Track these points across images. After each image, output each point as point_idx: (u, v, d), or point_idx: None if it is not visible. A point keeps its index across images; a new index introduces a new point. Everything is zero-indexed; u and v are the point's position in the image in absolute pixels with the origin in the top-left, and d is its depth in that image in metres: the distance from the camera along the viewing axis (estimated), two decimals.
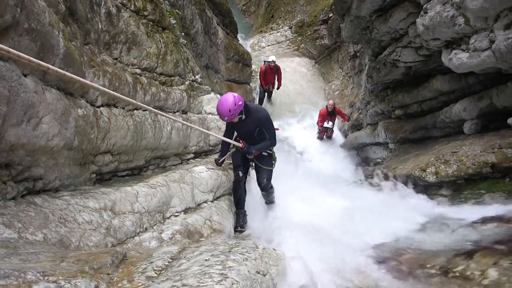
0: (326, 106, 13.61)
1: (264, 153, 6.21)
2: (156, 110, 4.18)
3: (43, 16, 2.96)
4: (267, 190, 6.34)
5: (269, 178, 6.31)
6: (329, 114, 13.64)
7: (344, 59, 16.30)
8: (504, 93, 6.34)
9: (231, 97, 5.44)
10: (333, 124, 13.92)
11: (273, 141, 6.03)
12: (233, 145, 6.04)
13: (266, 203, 6.64)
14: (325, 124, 13.69)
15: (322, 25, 18.56)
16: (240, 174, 6.11)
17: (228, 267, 2.38)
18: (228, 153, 6.17)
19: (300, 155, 13.69)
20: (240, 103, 5.50)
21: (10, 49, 2.19)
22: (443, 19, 5.77)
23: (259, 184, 6.31)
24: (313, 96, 17.55)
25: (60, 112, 3.26)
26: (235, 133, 6.27)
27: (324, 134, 14.29)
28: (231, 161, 6.30)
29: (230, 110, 5.37)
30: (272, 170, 6.35)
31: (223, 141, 6.12)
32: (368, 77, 10.66)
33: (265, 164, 6.23)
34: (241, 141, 5.91)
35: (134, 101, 3.89)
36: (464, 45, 5.88)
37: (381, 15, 8.26)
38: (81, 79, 2.89)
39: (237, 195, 6.12)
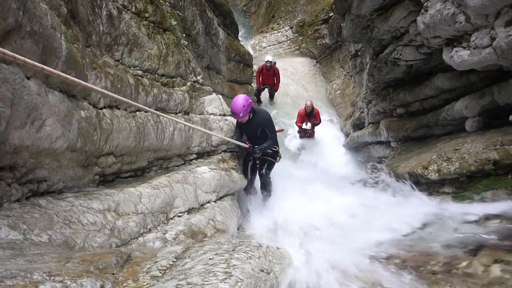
0: (305, 107, 13.38)
1: (269, 150, 6.87)
2: (158, 112, 4.20)
3: (45, 18, 2.97)
4: (266, 179, 7.17)
5: (269, 168, 7.15)
6: (307, 115, 13.41)
7: (345, 58, 16.29)
8: (505, 90, 6.34)
9: (242, 96, 6.36)
10: (312, 125, 13.58)
11: (274, 140, 6.79)
12: (240, 145, 6.80)
13: (264, 195, 7.38)
14: (304, 126, 13.49)
15: (323, 25, 18.51)
16: (249, 177, 7.17)
17: (232, 266, 2.39)
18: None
19: (302, 154, 13.69)
20: (250, 101, 6.34)
21: (16, 55, 2.21)
22: (444, 17, 5.77)
23: (259, 172, 7.20)
24: (315, 96, 17.53)
25: (63, 114, 3.28)
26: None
27: (304, 134, 14.01)
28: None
29: (244, 106, 6.19)
30: (274, 163, 7.17)
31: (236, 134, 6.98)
32: (370, 76, 10.66)
33: (269, 157, 7.04)
34: (247, 142, 6.72)
35: (135, 103, 3.91)
36: (465, 42, 5.88)
37: (382, 14, 8.26)
38: (83, 82, 2.91)
39: (248, 192, 7.32)
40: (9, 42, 2.57)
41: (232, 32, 14.85)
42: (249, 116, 6.44)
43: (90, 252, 2.80)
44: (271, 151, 6.95)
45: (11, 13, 2.52)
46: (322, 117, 13.97)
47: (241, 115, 6.25)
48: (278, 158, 7.21)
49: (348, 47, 15.41)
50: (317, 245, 4.40)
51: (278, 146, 7.12)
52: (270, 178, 7.25)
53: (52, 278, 1.87)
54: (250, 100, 6.32)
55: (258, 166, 7.18)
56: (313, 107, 13.34)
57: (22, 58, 2.31)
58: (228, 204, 5.88)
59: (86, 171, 4.08)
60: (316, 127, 13.95)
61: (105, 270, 2.28)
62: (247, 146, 6.66)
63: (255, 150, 6.54)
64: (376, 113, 11.22)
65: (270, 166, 7.15)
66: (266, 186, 7.24)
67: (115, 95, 3.46)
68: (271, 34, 21.77)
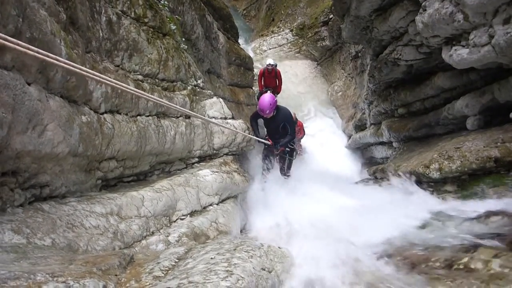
0: None
1: (287, 148, 7.80)
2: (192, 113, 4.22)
3: (45, 25, 3.02)
4: (286, 175, 8.08)
5: (289, 167, 8.14)
6: None
7: (346, 60, 16.32)
8: (505, 88, 6.35)
9: (269, 95, 7.38)
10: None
11: (293, 135, 7.64)
12: (263, 142, 7.51)
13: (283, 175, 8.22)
14: None
15: (323, 27, 18.57)
16: (266, 168, 7.82)
17: (234, 264, 2.42)
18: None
19: (305, 155, 13.68)
20: (275, 100, 7.32)
21: (29, 46, 2.24)
22: (442, 16, 5.79)
23: (281, 171, 8.02)
24: (316, 98, 17.56)
25: (64, 119, 3.31)
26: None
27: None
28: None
29: (270, 104, 7.12)
30: (292, 161, 8.18)
31: (255, 130, 7.76)
32: (370, 76, 10.69)
33: (288, 156, 7.97)
34: (269, 139, 7.50)
35: (146, 94, 3.93)
36: (464, 41, 5.90)
37: (381, 14, 8.29)
38: (94, 72, 2.94)
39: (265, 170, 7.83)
40: (9, 49, 2.60)
41: (232, 35, 14.87)
42: (274, 112, 7.29)
43: (93, 254, 2.83)
44: (289, 149, 7.89)
45: (10, 20, 2.56)
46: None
47: (267, 111, 7.13)
48: (295, 155, 8.27)
49: (349, 48, 15.45)
50: (321, 244, 4.40)
51: (294, 143, 8.10)
52: (289, 173, 8.21)
53: (55, 278, 1.90)
54: (275, 99, 7.24)
55: (276, 159, 8.01)
56: (296, 119, 12.34)
57: (35, 49, 2.35)
58: (231, 207, 5.90)
59: (88, 175, 4.11)
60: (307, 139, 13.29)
61: (108, 271, 2.30)
62: (269, 143, 7.41)
63: (276, 146, 7.36)
64: (377, 113, 11.24)
65: (289, 164, 8.11)
66: (285, 176, 8.12)
67: (125, 85, 3.49)
68: (272, 37, 21.80)
